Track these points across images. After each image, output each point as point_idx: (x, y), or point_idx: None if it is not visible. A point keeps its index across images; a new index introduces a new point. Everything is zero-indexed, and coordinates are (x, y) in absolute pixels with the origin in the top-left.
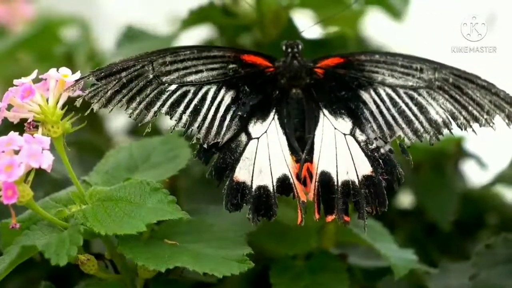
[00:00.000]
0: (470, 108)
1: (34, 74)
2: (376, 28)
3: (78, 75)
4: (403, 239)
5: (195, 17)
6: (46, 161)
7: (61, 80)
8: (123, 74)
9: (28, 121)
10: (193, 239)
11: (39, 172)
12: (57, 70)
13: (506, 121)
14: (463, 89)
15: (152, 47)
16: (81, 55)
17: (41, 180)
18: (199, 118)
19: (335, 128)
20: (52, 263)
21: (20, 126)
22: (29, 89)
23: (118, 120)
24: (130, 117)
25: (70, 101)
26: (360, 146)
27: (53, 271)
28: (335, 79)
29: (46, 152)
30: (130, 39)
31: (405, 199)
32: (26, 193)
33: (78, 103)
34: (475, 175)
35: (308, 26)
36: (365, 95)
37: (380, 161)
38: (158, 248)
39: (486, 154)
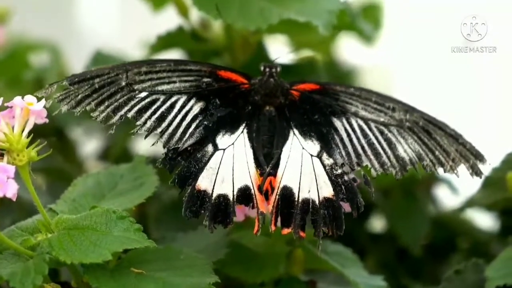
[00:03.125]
0: (436, 152)
1: None
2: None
3: (43, 103)
4: (374, 264)
5: (164, 42)
6: (11, 190)
7: (26, 108)
8: (97, 80)
9: None
10: (160, 267)
11: (6, 200)
12: (23, 97)
13: (470, 171)
14: (432, 134)
15: None
16: (51, 80)
17: (8, 208)
18: (164, 124)
19: (303, 148)
20: None
21: None
22: None
23: (89, 145)
24: (96, 119)
25: (37, 128)
26: (325, 169)
27: None
28: (309, 103)
29: (11, 181)
30: (99, 64)
31: (377, 224)
32: None
33: (47, 104)
34: (447, 199)
35: (279, 51)
36: (337, 123)
37: (343, 187)
38: (124, 277)
39: (457, 178)
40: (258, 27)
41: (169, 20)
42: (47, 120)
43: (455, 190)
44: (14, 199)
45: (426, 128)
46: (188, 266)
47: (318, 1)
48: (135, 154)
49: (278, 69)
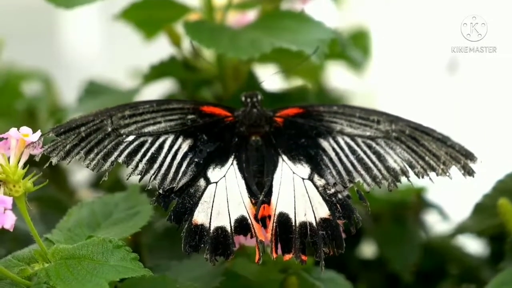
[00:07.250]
0: (426, 158)
1: None
2: None
3: (38, 134)
4: None
5: (157, 72)
6: (9, 221)
7: (22, 139)
8: (82, 128)
9: None
10: None
11: (3, 230)
12: (18, 129)
13: (462, 171)
14: (420, 141)
15: (114, 103)
16: (43, 110)
17: (3, 238)
18: (155, 166)
19: (293, 173)
20: None
21: None
22: None
23: (81, 173)
24: (87, 167)
25: (32, 158)
26: (318, 191)
27: None
28: (294, 127)
29: (9, 212)
30: (92, 95)
31: (367, 250)
32: None
33: (37, 158)
34: (437, 225)
35: (268, 78)
36: (324, 143)
37: (338, 205)
38: None
39: (448, 204)
40: (250, 57)
41: (158, 46)
42: (42, 150)
43: (445, 216)
44: (12, 230)
45: (413, 135)
46: None
47: (310, 31)
48: (129, 182)
49: (259, 97)
